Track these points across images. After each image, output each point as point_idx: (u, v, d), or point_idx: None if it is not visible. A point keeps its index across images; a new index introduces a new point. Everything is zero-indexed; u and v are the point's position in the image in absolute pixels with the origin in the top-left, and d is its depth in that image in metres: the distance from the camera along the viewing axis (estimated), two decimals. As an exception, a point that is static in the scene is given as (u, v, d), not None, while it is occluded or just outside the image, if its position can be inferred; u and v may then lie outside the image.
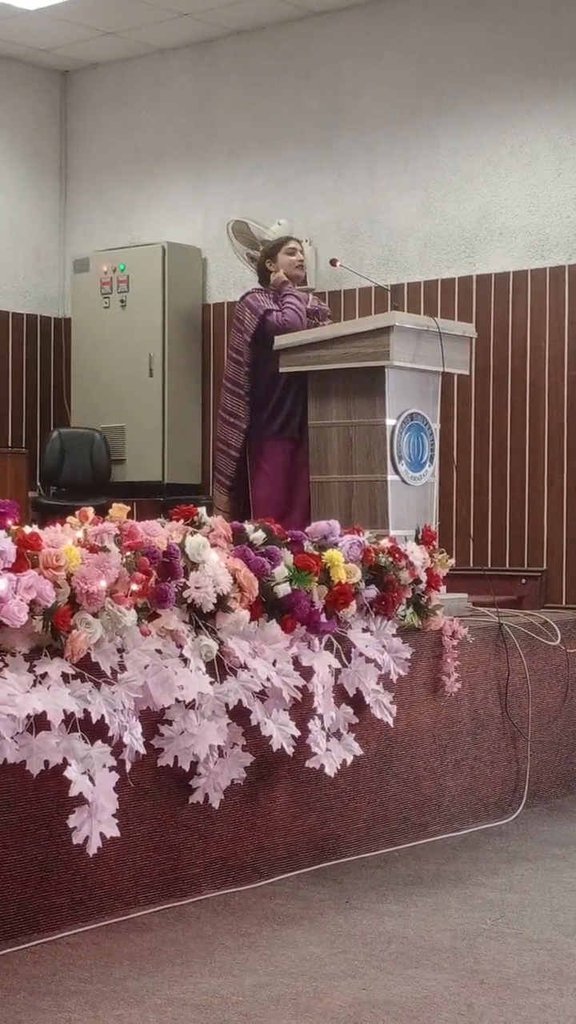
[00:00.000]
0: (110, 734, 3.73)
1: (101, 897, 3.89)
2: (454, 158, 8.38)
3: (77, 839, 3.67)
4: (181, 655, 4.00)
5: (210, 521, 4.45)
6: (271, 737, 4.21)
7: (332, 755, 4.45)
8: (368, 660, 4.65)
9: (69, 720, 3.64)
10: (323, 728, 4.43)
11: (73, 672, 3.70)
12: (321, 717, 4.42)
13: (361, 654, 4.64)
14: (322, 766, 4.41)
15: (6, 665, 3.61)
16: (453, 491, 8.16)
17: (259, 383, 6.68)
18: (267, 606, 4.36)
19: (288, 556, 4.50)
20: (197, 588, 4.12)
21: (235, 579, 4.22)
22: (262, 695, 4.21)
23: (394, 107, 8.59)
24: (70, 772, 3.61)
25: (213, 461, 7.09)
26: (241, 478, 6.76)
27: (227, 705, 4.10)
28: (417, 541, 5.12)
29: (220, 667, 4.12)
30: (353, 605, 4.63)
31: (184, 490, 9.08)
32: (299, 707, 4.34)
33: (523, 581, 7.97)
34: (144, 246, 9.38)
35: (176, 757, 3.99)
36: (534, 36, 8.08)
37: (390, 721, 4.71)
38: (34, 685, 3.60)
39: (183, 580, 4.10)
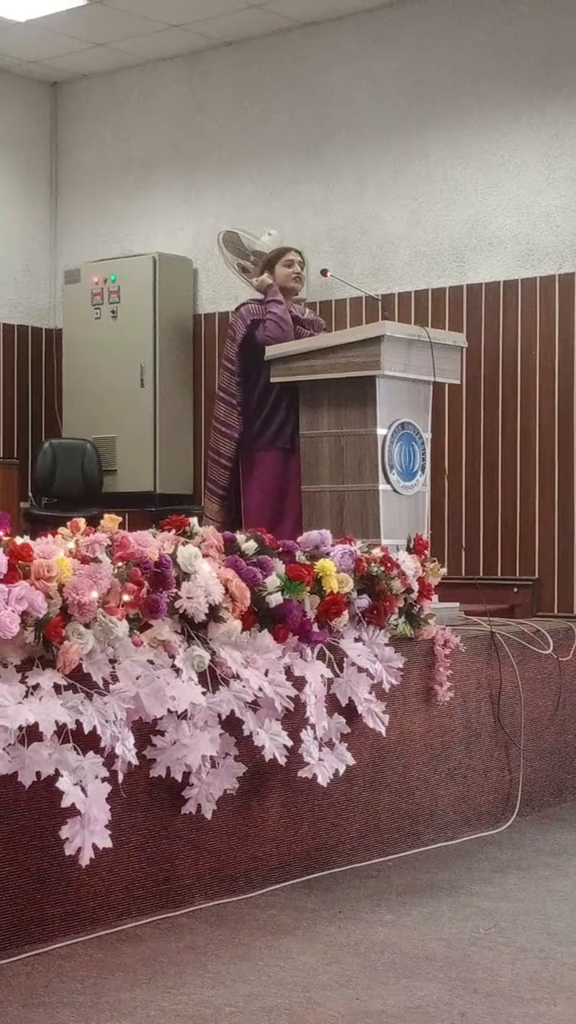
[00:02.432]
0: (102, 745, 3.73)
1: (94, 908, 3.88)
2: (444, 168, 8.39)
3: (69, 850, 3.66)
4: (173, 665, 4.00)
5: (202, 531, 4.45)
6: (263, 747, 4.20)
7: (324, 765, 4.45)
8: (360, 670, 4.65)
9: (61, 731, 3.64)
10: (315, 738, 4.43)
11: (65, 683, 3.70)
12: (313, 727, 4.42)
13: (353, 664, 4.64)
14: (314, 776, 4.41)
15: (-2, 676, 3.61)
16: (444, 500, 8.16)
17: (251, 393, 6.68)
18: (259, 616, 4.36)
19: (280, 566, 4.50)
20: (189, 598, 4.12)
21: (227, 589, 4.22)
22: (254, 705, 4.21)
23: (384, 117, 8.61)
24: (62, 783, 3.60)
25: (205, 470, 7.09)
26: (233, 488, 6.76)
27: (219, 715, 4.10)
28: (409, 550, 5.12)
29: (212, 677, 4.12)
30: (345, 615, 4.63)
31: (176, 500, 9.08)
32: (291, 717, 4.33)
33: (515, 590, 7.98)
34: (135, 257, 9.39)
35: (168, 768, 3.99)
36: (524, 46, 8.10)
37: (382, 731, 4.71)
38: (26, 696, 3.60)
39: (175, 590, 4.10)
